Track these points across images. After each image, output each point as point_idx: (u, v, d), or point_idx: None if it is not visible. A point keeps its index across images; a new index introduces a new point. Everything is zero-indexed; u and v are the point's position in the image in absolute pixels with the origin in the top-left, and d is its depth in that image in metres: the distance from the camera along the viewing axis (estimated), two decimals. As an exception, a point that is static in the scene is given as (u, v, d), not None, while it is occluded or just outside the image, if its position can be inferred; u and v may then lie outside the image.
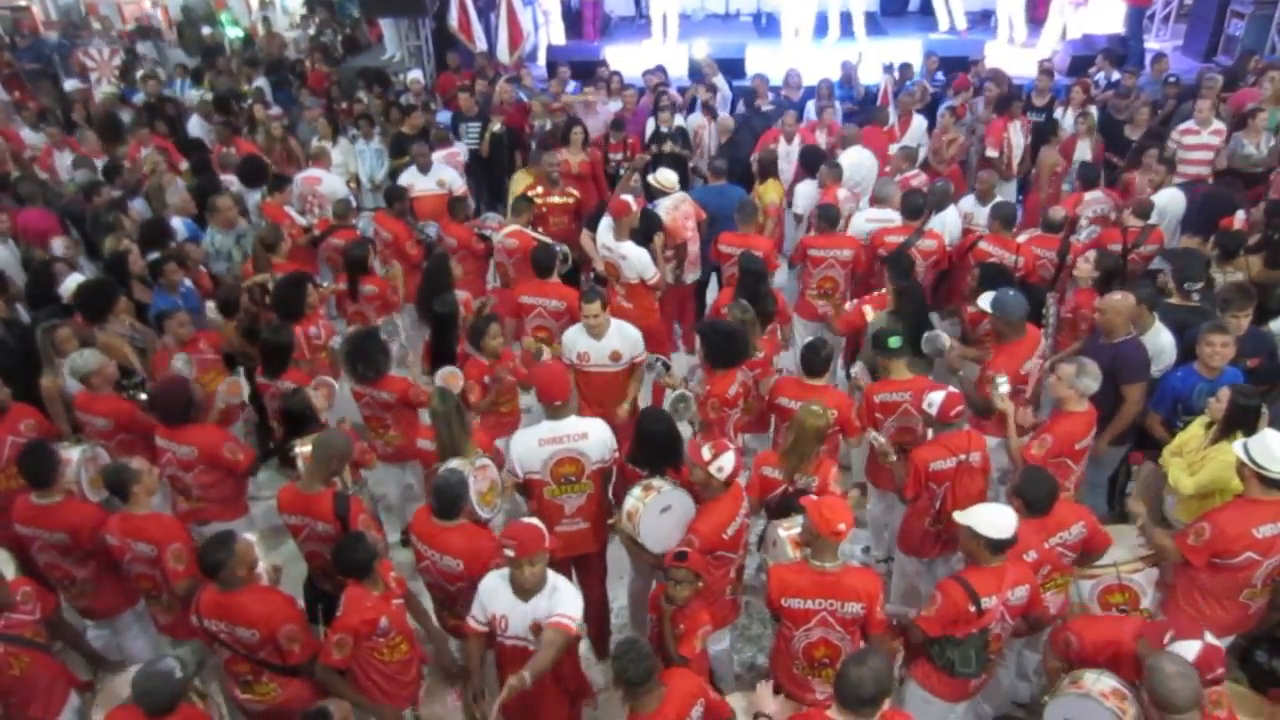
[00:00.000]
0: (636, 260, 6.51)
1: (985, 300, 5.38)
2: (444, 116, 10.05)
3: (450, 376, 5.17)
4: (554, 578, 3.85)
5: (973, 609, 3.74)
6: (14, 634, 3.95)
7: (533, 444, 4.60)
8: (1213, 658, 3.38)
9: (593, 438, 4.63)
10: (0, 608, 3.93)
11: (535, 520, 3.82)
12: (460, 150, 9.12)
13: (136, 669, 3.56)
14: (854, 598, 3.80)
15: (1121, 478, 5.62)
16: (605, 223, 6.77)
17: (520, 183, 8.34)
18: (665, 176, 7.33)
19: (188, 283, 6.58)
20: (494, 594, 3.85)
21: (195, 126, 10.18)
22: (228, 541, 3.83)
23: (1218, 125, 8.27)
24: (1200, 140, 8.23)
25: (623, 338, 5.63)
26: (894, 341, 5.00)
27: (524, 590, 3.76)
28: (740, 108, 10.38)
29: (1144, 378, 5.22)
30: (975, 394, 5.19)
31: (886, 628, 3.92)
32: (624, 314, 6.25)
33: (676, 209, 7.18)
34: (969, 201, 7.52)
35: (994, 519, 3.78)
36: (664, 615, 3.90)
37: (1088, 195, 7.46)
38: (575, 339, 5.63)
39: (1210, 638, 3.45)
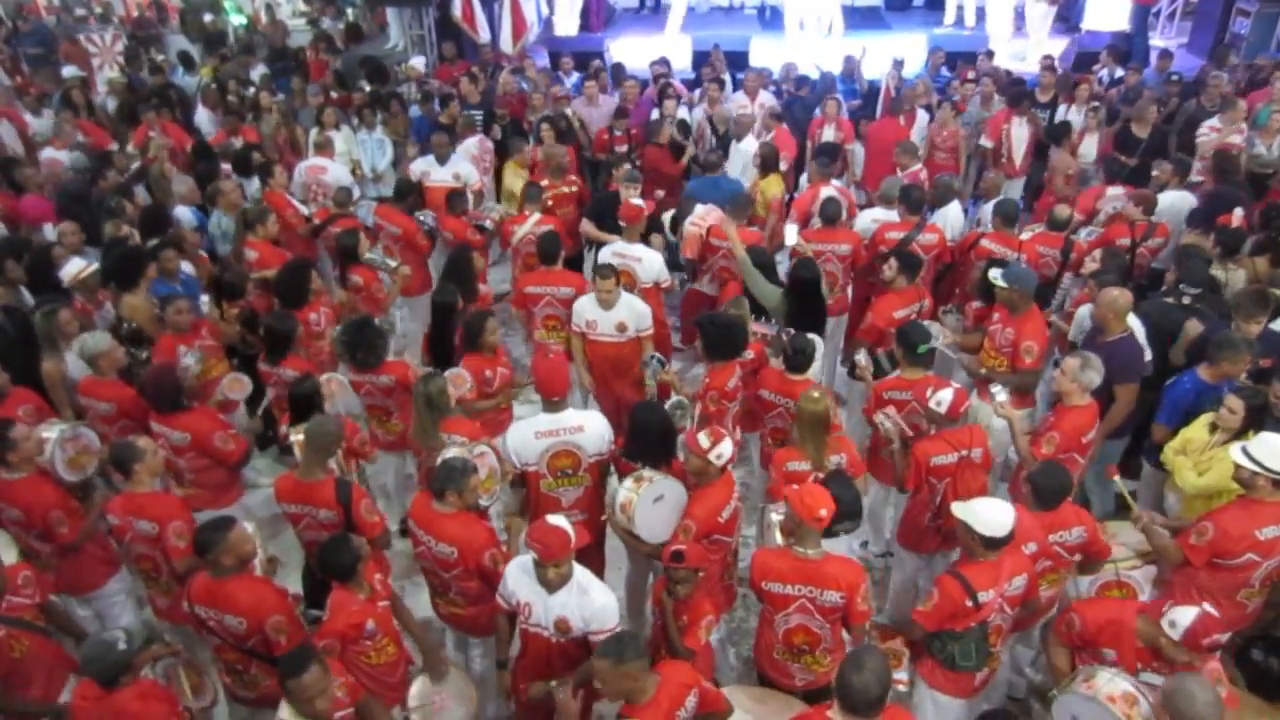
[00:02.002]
0: (650, 263, 6.48)
1: (997, 274, 5.47)
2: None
3: (456, 378, 5.14)
4: (582, 575, 3.82)
5: (969, 603, 3.74)
6: (14, 617, 3.96)
7: (529, 436, 4.61)
8: (1210, 624, 3.41)
9: (589, 430, 4.64)
10: None
11: (562, 521, 3.74)
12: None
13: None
14: (834, 586, 3.81)
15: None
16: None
17: (512, 174, 8.23)
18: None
19: (187, 270, 6.57)
20: (519, 581, 3.85)
21: (202, 115, 10.13)
22: (225, 525, 3.82)
23: (1244, 125, 8.16)
24: (1225, 140, 8.11)
25: (631, 310, 5.84)
26: (922, 348, 5.05)
27: (548, 585, 3.76)
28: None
29: (1136, 378, 5.23)
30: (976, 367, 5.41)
31: (868, 619, 3.93)
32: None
33: (702, 219, 7.08)
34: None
35: (991, 516, 3.76)
36: (666, 609, 3.91)
37: (1110, 190, 7.40)
38: (585, 307, 5.89)
39: (1209, 607, 3.48)
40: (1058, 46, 12.41)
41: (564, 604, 3.76)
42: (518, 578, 3.86)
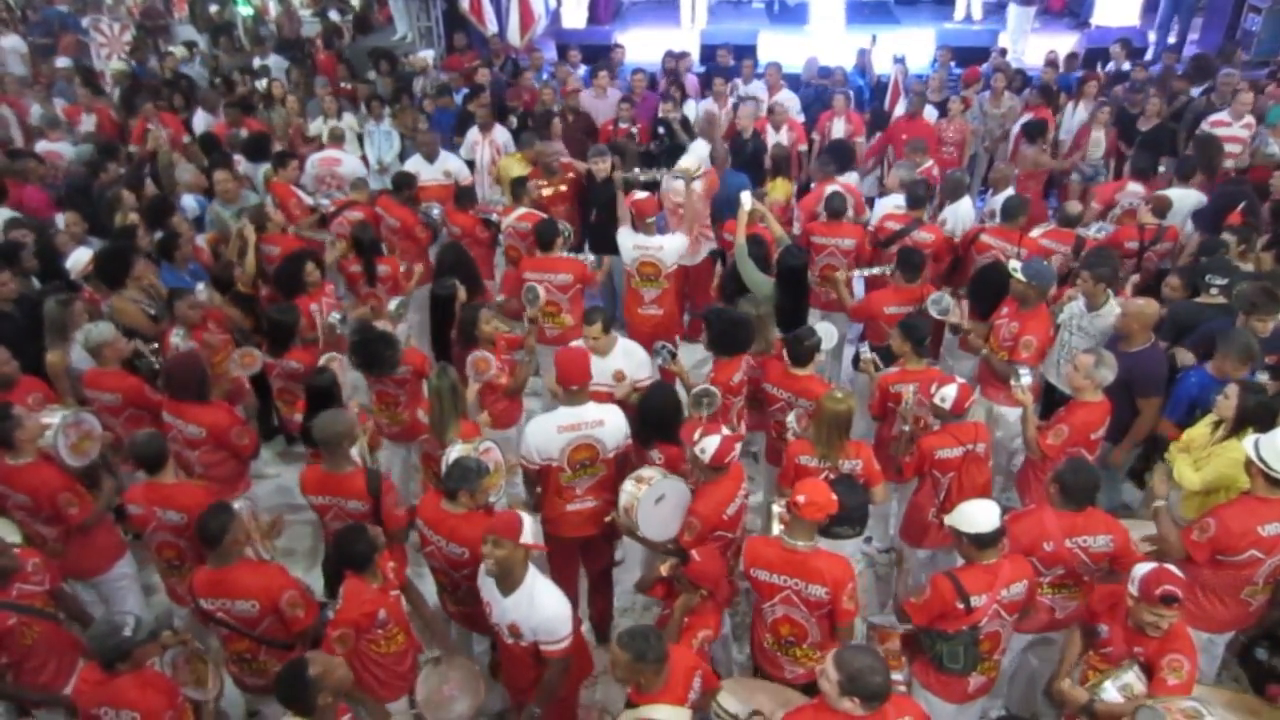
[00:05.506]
0: (671, 248, 6.39)
1: (1016, 266, 5.47)
2: (455, 97, 10.00)
3: (480, 362, 5.16)
4: (533, 583, 3.75)
5: (961, 606, 3.71)
6: (25, 604, 4.00)
7: (551, 431, 4.58)
8: (1164, 576, 3.48)
9: (609, 425, 4.62)
10: (7, 571, 3.96)
11: (525, 515, 3.72)
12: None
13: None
14: (818, 580, 3.77)
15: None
16: (625, 230, 6.52)
17: (513, 166, 8.13)
18: (684, 162, 7.20)
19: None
20: (484, 580, 3.88)
21: (200, 117, 10.04)
22: (227, 510, 3.86)
23: (1249, 119, 8.20)
24: (1231, 133, 8.14)
25: (628, 356, 5.39)
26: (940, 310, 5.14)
27: (497, 580, 3.74)
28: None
29: (1161, 391, 5.14)
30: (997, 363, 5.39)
31: (853, 618, 3.89)
32: (649, 319, 6.36)
33: (680, 185, 6.94)
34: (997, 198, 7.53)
35: (973, 515, 3.75)
36: (679, 608, 3.95)
37: (1131, 185, 7.38)
38: None
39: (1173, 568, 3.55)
40: (1067, 43, 12.35)
41: (515, 609, 3.74)
42: (484, 575, 3.87)
